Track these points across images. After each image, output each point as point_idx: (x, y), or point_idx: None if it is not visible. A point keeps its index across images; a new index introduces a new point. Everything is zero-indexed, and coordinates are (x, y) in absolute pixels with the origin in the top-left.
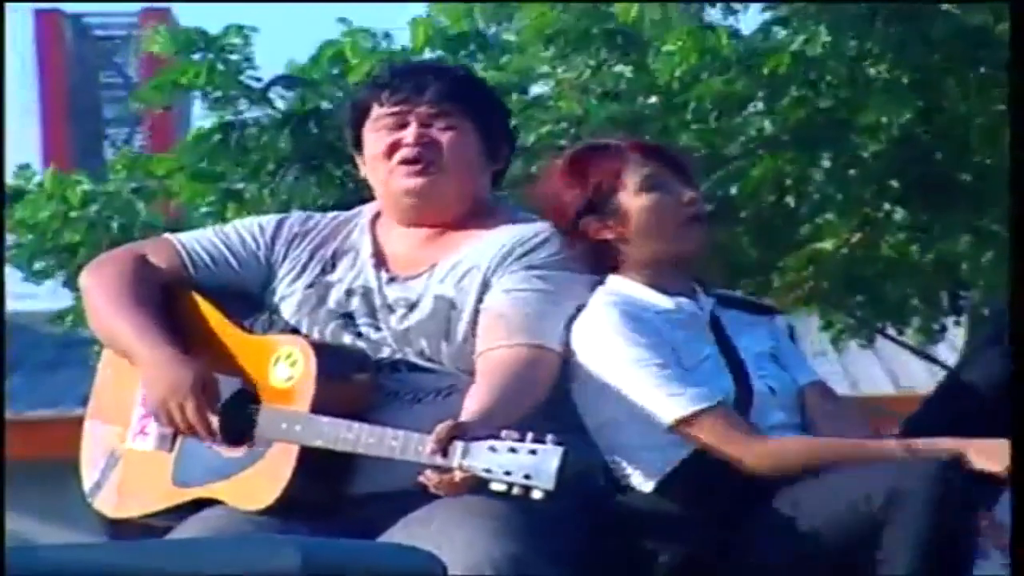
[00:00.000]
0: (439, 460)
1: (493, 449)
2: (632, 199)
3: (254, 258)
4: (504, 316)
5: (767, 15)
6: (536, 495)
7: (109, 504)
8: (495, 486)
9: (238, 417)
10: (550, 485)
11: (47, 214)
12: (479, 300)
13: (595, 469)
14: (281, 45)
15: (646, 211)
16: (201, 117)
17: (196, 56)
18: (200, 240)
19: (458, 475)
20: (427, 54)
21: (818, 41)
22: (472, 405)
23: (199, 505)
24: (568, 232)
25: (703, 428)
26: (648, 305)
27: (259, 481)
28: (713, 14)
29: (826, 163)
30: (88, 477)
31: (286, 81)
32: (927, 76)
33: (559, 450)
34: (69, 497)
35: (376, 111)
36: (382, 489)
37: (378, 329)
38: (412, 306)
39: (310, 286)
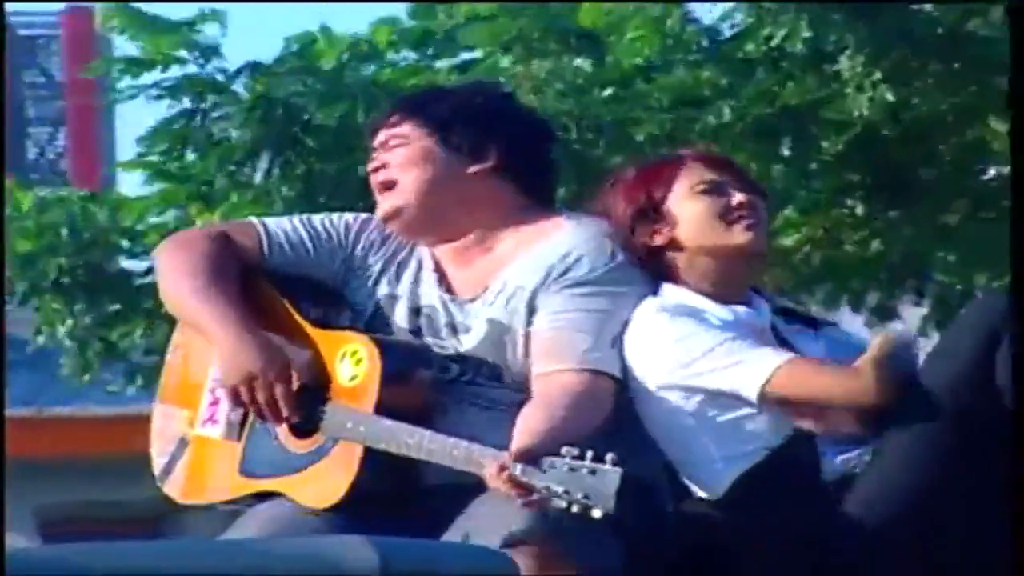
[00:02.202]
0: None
1: (553, 466)
2: (681, 203)
3: (331, 255)
4: (551, 340)
5: (729, 4)
6: (596, 514)
7: (177, 489)
8: (555, 503)
9: (307, 410)
10: (609, 507)
11: None
12: (528, 323)
13: (656, 477)
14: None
15: (692, 214)
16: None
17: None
18: (282, 224)
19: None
20: (391, 55)
21: (797, 37)
22: (528, 427)
23: (262, 494)
24: (625, 240)
25: (795, 379)
26: (700, 309)
27: (325, 478)
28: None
29: (787, 153)
30: (158, 461)
31: (253, 69)
32: (902, 72)
33: (618, 472)
34: None
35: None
36: (446, 481)
37: (443, 348)
38: (467, 330)
39: (380, 301)
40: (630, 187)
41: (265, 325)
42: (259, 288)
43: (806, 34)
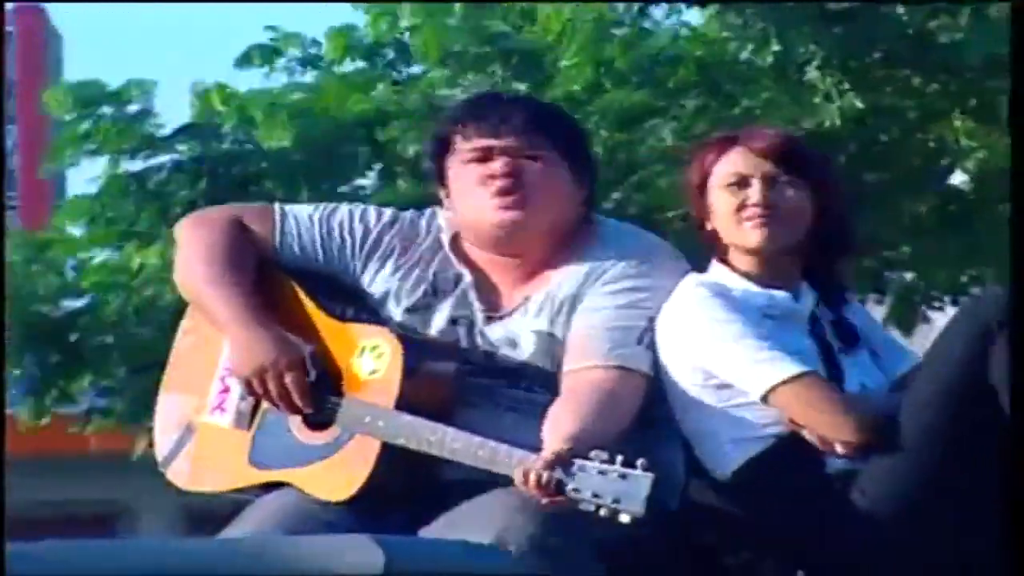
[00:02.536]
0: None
1: (583, 469)
2: (713, 192)
3: (341, 261)
4: (583, 337)
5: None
6: (624, 519)
7: (182, 476)
8: (584, 506)
9: (322, 403)
10: (639, 511)
11: None
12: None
13: (669, 475)
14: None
15: (716, 207)
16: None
17: (96, 111)
18: (300, 218)
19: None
20: (348, 64)
21: (768, 50)
22: (558, 430)
23: (269, 485)
24: (695, 213)
25: (794, 397)
26: (736, 290)
27: (340, 472)
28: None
29: None
30: (161, 447)
31: (192, 131)
32: (868, 79)
33: (649, 477)
34: None
35: (460, 144)
36: (458, 477)
37: (479, 357)
38: (514, 344)
39: (412, 310)
40: (694, 163)
41: (281, 318)
42: (277, 279)
43: (776, 48)
